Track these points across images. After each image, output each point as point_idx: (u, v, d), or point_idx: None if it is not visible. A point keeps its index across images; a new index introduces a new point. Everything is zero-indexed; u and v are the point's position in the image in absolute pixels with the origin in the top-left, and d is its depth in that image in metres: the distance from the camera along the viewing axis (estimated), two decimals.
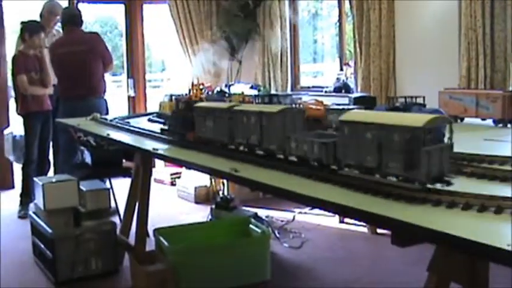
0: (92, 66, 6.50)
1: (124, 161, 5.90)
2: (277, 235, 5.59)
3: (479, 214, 1.74)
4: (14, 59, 7.01)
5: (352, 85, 6.82)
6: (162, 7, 8.76)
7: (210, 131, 3.01)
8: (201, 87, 4.23)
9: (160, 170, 8.31)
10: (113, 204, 5.78)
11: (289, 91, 7.66)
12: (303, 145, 2.28)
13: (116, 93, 11.63)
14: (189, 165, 3.08)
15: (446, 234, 1.56)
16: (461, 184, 2.07)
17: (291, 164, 2.47)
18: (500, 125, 3.85)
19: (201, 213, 6.45)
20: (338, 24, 7.55)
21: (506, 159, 2.46)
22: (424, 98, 2.58)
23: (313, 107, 2.91)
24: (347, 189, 2.09)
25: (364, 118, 1.99)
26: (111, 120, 4.93)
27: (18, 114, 7.07)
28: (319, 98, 3.30)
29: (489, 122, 3.94)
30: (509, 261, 1.42)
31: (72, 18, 6.71)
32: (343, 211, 1.93)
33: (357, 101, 3.33)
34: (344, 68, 7.19)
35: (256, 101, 3.50)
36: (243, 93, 3.80)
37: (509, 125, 3.82)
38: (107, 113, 6.21)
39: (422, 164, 1.82)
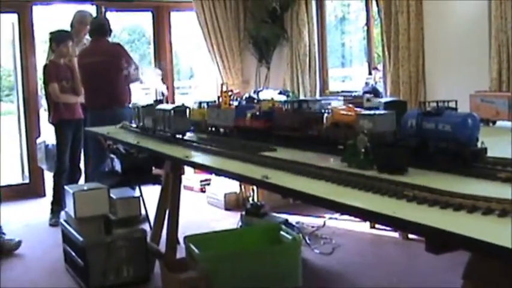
0: (113, 76, 6.56)
1: (154, 168, 5.92)
2: (308, 241, 5.57)
3: None
4: (45, 68, 7.09)
5: (381, 89, 6.78)
6: (190, 14, 8.79)
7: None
8: (229, 93, 4.24)
9: (190, 177, 8.32)
10: (143, 211, 5.80)
11: (318, 96, 7.63)
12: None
13: (144, 100, 11.66)
14: (220, 172, 3.07)
15: (483, 242, 1.53)
16: (496, 190, 2.04)
17: (321, 169, 2.46)
18: None
19: (231, 220, 6.45)
20: (366, 27, 7.51)
21: None
22: (456, 102, 2.54)
23: (344, 112, 2.88)
24: (379, 195, 2.06)
25: None
26: (139, 128, 4.94)
27: (50, 123, 7.14)
28: (350, 104, 3.29)
29: None
30: None
31: (98, 28, 6.78)
32: (375, 218, 1.91)
33: (388, 106, 3.29)
34: (373, 72, 7.15)
35: (286, 107, 3.48)
36: (272, 99, 3.78)
37: None
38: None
39: None
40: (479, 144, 2.39)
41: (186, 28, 10.09)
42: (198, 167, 3.83)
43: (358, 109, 2.92)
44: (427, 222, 1.71)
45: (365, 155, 2.48)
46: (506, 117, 3.96)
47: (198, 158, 3.30)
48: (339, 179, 2.29)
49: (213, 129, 4.23)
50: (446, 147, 2.39)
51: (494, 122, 4.08)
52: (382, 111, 2.78)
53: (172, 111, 4.01)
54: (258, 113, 3.62)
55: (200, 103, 4.52)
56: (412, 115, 2.53)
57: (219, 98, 4.28)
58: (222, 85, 4.34)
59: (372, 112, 2.71)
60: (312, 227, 6.10)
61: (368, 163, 2.45)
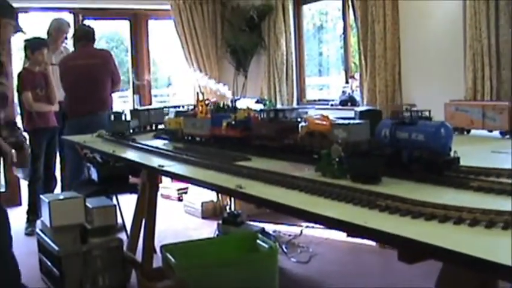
0: (101, 80, 6.57)
1: (130, 177, 5.90)
2: (285, 250, 5.57)
3: (487, 230, 1.72)
4: (19, 75, 7.04)
5: (358, 98, 6.81)
6: (168, 23, 8.79)
7: None
8: (206, 102, 4.23)
9: (167, 186, 8.30)
10: (120, 220, 5.77)
11: (295, 105, 7.64)
12: None
13: (122, 109, 11.62)
14: (194, 182, 3.07)
15: (454, 252, 1.54)
16: (468, 199, 2.06)
17: (295, 179, 2.47)
18: (508, 136, 3.82)
19: (209, 229, 6.44)
20: (343, 36, 7.54)
21: None
22: (429, 111, 2.56)
23: (319, 121, 2.89)
24: (352, 205, 2.07)
25: None
26: (116, 137, 4.92)
27: (24, 130, 7.09)
28: (325, 112, 3.29)
29: (496, 133, 3.91)
30: None
31: (86, 34, 6.81)
32: (346, 227, 1.91)
33: (363, 115, 3.31)
34: (350, 80, 7.17)
35: (261, 116, 3.48)
36: (248, 108, 3.78)
37: None
38: None
39: None
40: (452, 154, 2.41)
41: (164, 36, 10.09)
42: (172, 176, 3.82)
43: (332, 118, 2.93)
44: (398, 232, 1.72)
45: (339, 164, 2.49)
46: (481, 126, 3.99)
47: (173, 167, 3.29)
48: (313, 189, 2.30)
49: (189, 138, 4.22)
50: (420, 157, 2.40)
51: (468, 131, 4.11)
52: (357, 121, 2.79)
53: (112, 116, 4.71)
54: (233, 122, 3.62)
55: (177, 112, 4.52)
56: (386, 124, 2.54)
57: (194, 106, 4.27)
58: (198, 94, 4.33)
59: (346, 122, 2.73)
60: (289, 235, 6.10)
61: (342, 173, 2.46)
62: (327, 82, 9.91)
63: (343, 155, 2.49)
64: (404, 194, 2.05)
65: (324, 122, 2.86)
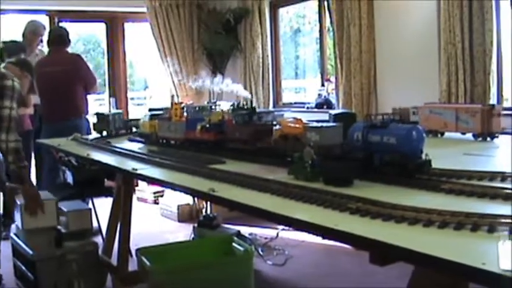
0: (72, 87, 6.55)
1: (106, 180, 5.87)
2: (261, 253, 5.57)
3: (456, 232, 1.73)
4: None
5: (334, 101, 6.83)
6: (144, 25, 8.77)
7: None
8: (182, 105, 4.23)
9: (143, 189, 8.27)
10: (95, 224, 5.74)
11: (271, 108, 7.65)
12: None
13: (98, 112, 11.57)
14: (168, 185, 3.06)
15: (422, 254, 1.55)
16: (439, 201, 2.07)
17: (268, 182, 2.48)
18: (480, 139, 3.86)
19: (185, 232, 6.42)
20: (319, 39, 7.57)
21: (485, 174, 2.46)
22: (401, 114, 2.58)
23: (292, 125, 2.90)
24: (323, 208, 2.08)
25: None
26: (91, 140, 4.90)
27: None
28: (299, 115, 3.31)
29: (469, 136, 3.95)
30: (483, 280, 1.41)
31: (59, 38, 6.76)
32: (317, 230, 1.92)
33: (337, 118, 3.32)
34: (325, 83, 7.20)
35: (236, 119, 3.48)
36: (222, 111, 3.78)
37: (488, 139, 3.83)
38: (89, 133, 6.19)
39: None
40: (423, 156, 2.43)
41: (141, 39, 10.06)
42: (145, 179, 3.82)
43: (305, 121, 2.94)
44: (368, 235, 1.72)
45: (311, 167, 2.49)
46: (454, 128, 4.02)
47: (147, 170, 3.28)
48: (285, 192, 2.30)
49: (164, 141, 4.21)
50: (392, 160, 2.41)
51: (442, 133, 4.14)
52: (329, 124, 2.80)
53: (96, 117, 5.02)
54: (208, 125, 3.62)
55: (152, 115, 4.50)
56: (358, 128, 2.55)
57: (169, 109, 4.26)
58: (172, 97, 4.33)
59: (319, 125, 2.73)
60: (265, 238, 6.10)
61: (314, 176, 2.47)
62: (303, 85, 9.94)
63: (316, 158, 2.49)
64: (375, 197, 2.05)
65: (297, 125, 2.87)
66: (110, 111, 6.45)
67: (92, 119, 5.70)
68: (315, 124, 2.81)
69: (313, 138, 2.65)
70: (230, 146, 3.47)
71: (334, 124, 2.78)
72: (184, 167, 3.13)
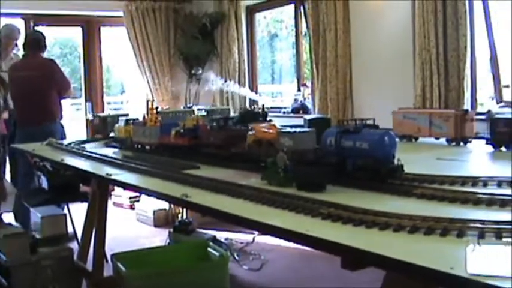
0: (47, 91, 6.52)
1: (81, 185, 5.83)
2: (237, 257, 5.56)
3: (426, 237, 1.74)
4: None
5: (310, 106, 6.85)
6: (121, 29, 8.74)
7: None
8: (157, 110, 4.22)
9: (120, 194, 8.23)
10: (71, 229, 5.71)
11: None
12: None
13: (75, 116, 11.50)
14: (141, 191, 3.05)
15: (391, 259, 1.56)
16: (411, 206, 2.08)
17: (241, 187, 2.48)
18: (453, 143, 3.88)
19: (161, 237, 6.40)
20: (295, 44, 7.59)
21: (457, 179, 2.48)
22: (374, 120, 2.59)
23: (265, 130, 2.90)
24: (295, 213, 2.08)
25: None
26: (66, 145, 4.88)
27: None
28: (275, 120, 3.32)
29: (443, 141, 3.98)
30: (452, 285, 1.42)
31: (34, 43, 6.74)
32: (288, 235, 1.92)
33: (311, 123, 3.33)
34: (301, 88, 7.22)
35: (211, 124, 3.48)
36: (197, 116, 3.78)
37: (462, 144, 3.86)
38: (64, 138, 6.16)
39: None
40: (396, 161, 2.44)
41: (118, 43, 10.03)
42: (119, 185, 3.80)
43: (279, 127, 2.94)
44: (339, 240, 1.73)
45: (284, 173, 2.50)
46: (428, 133, 4.05)
47: (121, 176, 3.27)
48: (257, 197, 2.30)
49: (139, 146, 4.20)
50: (364, 165, 2.42)
51: (416, 138, 4.17)
52: (303, 129, 2.81)
53: None
54: (182, 130, 3.61)
55: (127, 120, 4.49)
56: (331, 133, 2.56)
57: (144, 115, 4.25)
58: (148, 102, 4.31)
59: (292, 130, 2.74)
60: (241, 243, 6.10)
61: (287, 181, 2.47)
62: (280, 90, 9.95)
63: (289, 163, 2.50)
64: (347, 202, 2.06)
65: (271, 131, 2.87)
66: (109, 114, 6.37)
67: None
68: (288, 129, 2.81)
69: (286, 144, 2.66)
70: (205, 151, 3.46)
71: (307, 129, 2.78)
72: (158, 172, 3.12)
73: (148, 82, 8.47)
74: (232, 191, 2.47)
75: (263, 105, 3.72)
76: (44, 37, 6.88)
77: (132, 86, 10.02)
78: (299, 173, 2.43)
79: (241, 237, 6.28)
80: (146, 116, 4.20)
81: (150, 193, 2.89)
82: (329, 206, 2.05)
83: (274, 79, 10.04)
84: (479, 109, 5.36)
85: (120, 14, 8.45)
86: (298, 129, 2.76)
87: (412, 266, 1.51)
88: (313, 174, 2.39)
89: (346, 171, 2.48)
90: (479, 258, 1.53)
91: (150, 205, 7.23)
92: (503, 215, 1.92)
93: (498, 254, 1.59)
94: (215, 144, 3.34)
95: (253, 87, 8.05)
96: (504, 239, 1.70)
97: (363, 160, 2.42)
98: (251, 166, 2.97)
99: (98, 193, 4.67)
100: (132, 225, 7.35)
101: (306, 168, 2.42)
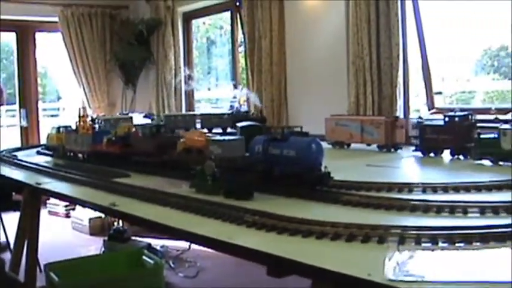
0: None
1: (14, 194, 5.73)
2: (172, 265, 5.54)
3: (348, 244, 1.77)
4: None
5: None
6: (57, 35, 8.60)
7: None
8: (89, 118, 4.19)
9: (55, 202, 8.08)
10: (3, 239, 5.61)
11: None
12: None
13: (10, 123, 11.27)
14: (70, 200, 3.02)
15: (311, 267, 1.58)
16: (336, 213, 2.11)
17: (169, 196, 2.47)
18: (384, 150, 3.95)
19: (96, 245, 6.32)
20: (231, 51, 7.60)
21: (383, 185, 2.52)
22: (301, 127, 2.62)
23: (195, 137, 2.90)
24: (220, 221, 2.09)
25: None
26: None
27: None
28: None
29: (374, 147, 4.04)
30: None
31: None
32: (211, 244, 1.93)
33: (243, 130, 3.34)
34: (238, 95, 7.22)
35: (143, 132, 3.47)
36: (128, 124, 3.76)
37: (392, 150, 3.93)
38: None
39: None
40: (323, 169, 2.46)
41: (54, 48, 9.87)
42: (48, 193, 3.75)
43: (208, 134, 2.95)
44: (261, 248, 1.74)
45: (213, 180, 2.50)
46: (359, 140, 4.11)
47: (50, 184, 3.23)
48: (184, 206, 2.31)
49: (71, 154, 4.15)
50: (291, 172, 2.44)
51: (348, 145, 4.22)
52: (232, 137, 2.82)
53: None
54: (113, 138, 3.59)
55: (59, 128, 4.43)
56: (259, 141, 2.58)
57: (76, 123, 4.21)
58: (80, 109, 4.27)
59: (221, 138, 2.75)
60: (177, 250, 6.06)
61: (215, 189, 2.48)
62: (218, 96, 9.93)
63: (217, 171, 2.50)
64: (274, 210, 2.07)
65: (200, 138, 2.87)
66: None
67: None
68: (218, 137, 2.82)
69: (215, 151, 2.66)
70: (136, 159, 3.45)
71: (236, 137, 2.79)
72: (88, 180, 3.10)
73: (84, 89, 8.36)
74: (160, 199, 2.47)
75: (260, 110, 3.72)
76: None
77: (68, 92, 9.87)
78: (226, 180, 2.44)
79: (177, 244, 6.24)
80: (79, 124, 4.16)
81: (78, 202, 2.86)
82: (254, 214, 2.06)
83: (212, 85, 10.03)
84: (416, 116, 5.44)
85: (56, 19, 8.32)
86: (227, 137, 2.76)
87: (331, 273, 1.53)
88: (240, 182, 2.40)
89: (274, 178, 2.50)
90: (398, 263, 1.56)
91: (85, 213, 7.13)
92: (424, 221, 1.96)
93: (417, 259, 1.62)
94: (146, 152, 3.32)
95: (189, 94, 8.02)
96: (424, 245, 1.73)
97: (290, 167, 2.44)
98: (181, 174, 2.97)
99: (30, 202, 4.59)
100: (68, 233, 7.24)
101: (233, 175, 2.42)
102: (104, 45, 8.52)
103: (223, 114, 5.20)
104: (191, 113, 5.68)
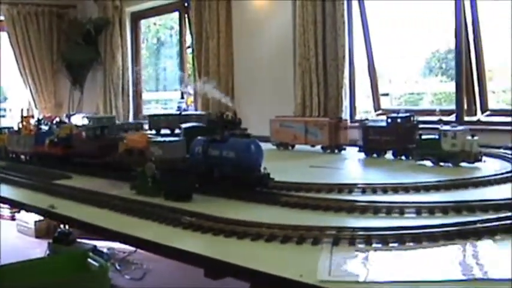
0: None
1: None
2: (118, 267, 5.50)
3: (282, 245, 1.77)
4: None
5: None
6: (3, 35, 8.47)
7: None
8: (34, 119, 4.14)
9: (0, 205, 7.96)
10: None
11: (131, 120, 7.57)
12: None
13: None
14: (7, 202, 2.98)
15: (244, 268, 1.58)
16: (274, 214, 2.11)
17: (109, 198, 2.46)
18: (328, 151, 3.97)
19: (42, 248, 6.23)
20: (179, 52, 7.57)
21: (323, 186, 2.54)
22: (246, 129, 2.63)
23: (136, 139, 2.89)
24: (157, 223, 2.08)
25: None
26: None
27: None
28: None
29: (318, 148, 4.06)
30: None
31: None
32: (143, 245, 1.92)
33: (187, 132, 3.33)
34: (185, 96, 7.20)
35: (86, 133, 3.43)
36: (71, 125, 3.72)
37: (336, 151, 3.96)
38: None
39: None
40: (262, 170, 2.47)
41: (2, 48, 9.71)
42: None
43: (149, 136, 2.93)
44: (195, 250, 1.74)
45: (153, 182, 2.49)
46: (304, 141, 4.13)
47: None
48: (123, 208, 2.29)
49: (14, 155, 4.09)
50: (231, 174, 2.45)
51: (293, 146, 4.24)
52: (172, 138, 2.81)
53: None
54: (55, 139, 3.55)
55: (0, 129, 4.37)
56: (199, 142, 2.58)
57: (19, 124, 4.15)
58: (22, 110, 4.21)
59: (162, 139, 2.73)
60: (124, 252, 6.01)
61: (155, 191, 2.47)
62: (166, 97, 9.88)
63: (157, 172, 2.49)
64: (213, 212, 2.07)
65: (141, 140, 2.86)
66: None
67: None
68: (158, 138, 2.81)
69: (156, 153, 2.65)
70: (78, 160, 3.41)
71: (176, 138, 2.78)
72: (28, 183, 3.06)
73: (30, 89, 8.25)
74: (99, 201, 2.45)
75: (235, 113, 3.68)
76: None
77: (15, 93, 9.72)
78: (165, 182, 2.43)
79: (124, 246, 6.19)
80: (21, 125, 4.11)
81: (16, 204, 2.82)
82: (191, 215, 2.05)
83: (161, 86, 9.98)
84: (364, 117, 5.48)
85: (1, 17, 8.19)
86: (167, 139, 2.75)
87: (264, 275, 1.54)
88: (179, 184, 2.39)
89: (214, 180, 2.50)
90: (331, 264, 1.58)
91: (31, 216, 7.03)
92: (360, 222, 1.99)
93: (350, 259, 1.64)
94: (89, 153, 3.29)
95: (137, 95, 7.97)
96: (358, 245, 1.75)
97: (229, 169, 2.44)
98: (123, 175, 2.94)
99: None
100: (13, 236, 7.13)
101: (171, 177, 2.42)
102: (51, 45, 8.42)
103: (201, 115, 5.15)
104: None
